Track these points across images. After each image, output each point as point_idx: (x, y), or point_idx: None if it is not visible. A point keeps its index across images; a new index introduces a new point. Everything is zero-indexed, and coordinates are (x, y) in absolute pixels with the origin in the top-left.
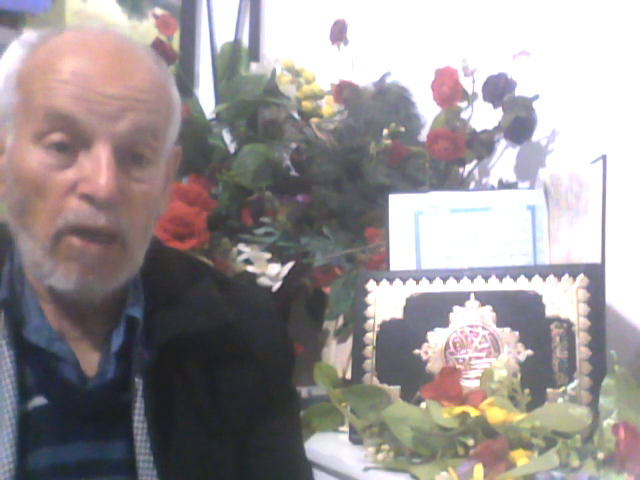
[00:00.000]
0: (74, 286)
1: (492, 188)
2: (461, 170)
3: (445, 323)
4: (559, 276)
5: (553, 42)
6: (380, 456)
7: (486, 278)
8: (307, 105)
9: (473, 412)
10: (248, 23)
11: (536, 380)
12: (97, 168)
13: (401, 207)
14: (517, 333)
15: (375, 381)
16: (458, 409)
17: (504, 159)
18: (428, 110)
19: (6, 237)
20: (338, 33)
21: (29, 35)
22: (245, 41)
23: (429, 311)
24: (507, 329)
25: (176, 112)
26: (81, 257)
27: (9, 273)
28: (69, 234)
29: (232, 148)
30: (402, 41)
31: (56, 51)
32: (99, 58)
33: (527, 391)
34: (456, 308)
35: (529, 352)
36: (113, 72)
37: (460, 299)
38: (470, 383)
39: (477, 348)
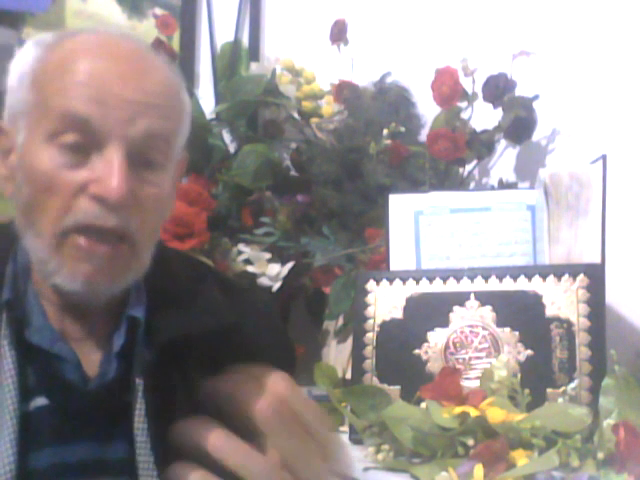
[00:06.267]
0: (80, 287)
1: (492, 188)
2: (461, 170)
3: (445, 323)
4: (559, 276)
5: (553, 42)
6: (380, 456)
7: (486, 278)
8: (307, 105)
9: (473, 412)
10: (248, 23)
11: (536, 380)
12: (109, 170)
13: (401, 207)
14: (517, 333)
15: (375, 381)
16: (458, 409)
17: (504, 159)
18: (428, 110)
19: (9, 237)
20: (338, 33)
21: (45, 36)
22: (245, 41)
23: (429, 311)
24: (507, 329)
25: (187, 118)
26: (89, 258)
27: (12, 273)
28: (76, 233)
29: (232, 148)
30: (402, 41)
31: (73, 52)
32: (116, 61)
33: (527, 391)
34: (456, 308)
35: (529, 352)
36: (130, 76)
37: (460, 299)
38: (470, 383)
39: (477, 348)
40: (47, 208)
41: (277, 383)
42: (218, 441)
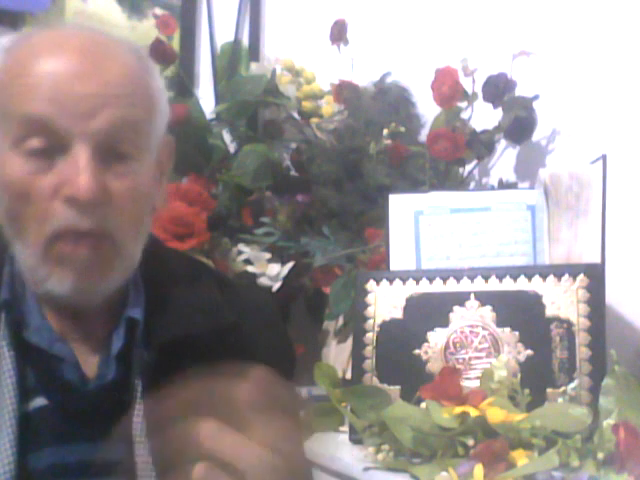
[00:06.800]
0: (69, 290)
1: (492, 188)
2: (461, 170)
3: (445, 323)
4: (559, 276)
5: (553, 42)
6: (380, 456)
7: (486, 278)
8: (307, 105)
9: (473, 412)
10: (248, 23)
11: (536, 380)
12: (76, 169)
13: (401, 207)
14: (517, 333)
15: (375, 381)
16: (458, 409)
17: (504, 159)
18: (428, 110)
19: (6, 238)
20: (338, 33)
21: (3, 40)
22: (245, 41)
23: (429, 311)
24: (507, 329)
25: (159, 103)
26: (73, 262)
27: (10, 274)
28: (58, 240)
29: (232, 148)
30: (402, 41)
31: (27, 54)
32: (70, 57)
33: (527, 391)
34: (456, 308)
35: (529, 352)
36: (85, 70)
37: (460, 299)
38: (470, 383)
39: (477, 348)
40: (27, 217)
41: (254, 370)
42: (209, 431)
